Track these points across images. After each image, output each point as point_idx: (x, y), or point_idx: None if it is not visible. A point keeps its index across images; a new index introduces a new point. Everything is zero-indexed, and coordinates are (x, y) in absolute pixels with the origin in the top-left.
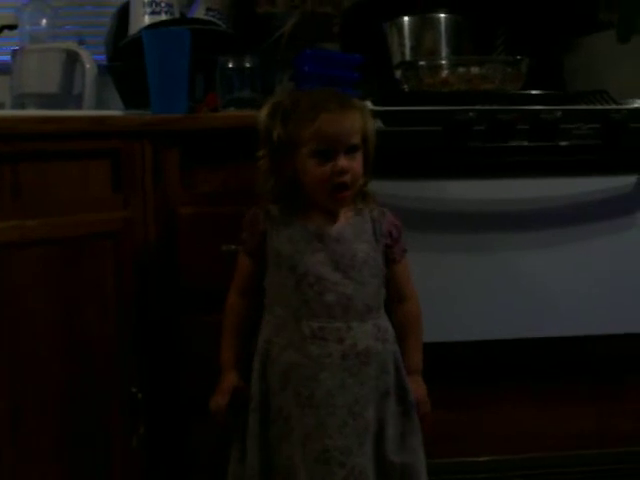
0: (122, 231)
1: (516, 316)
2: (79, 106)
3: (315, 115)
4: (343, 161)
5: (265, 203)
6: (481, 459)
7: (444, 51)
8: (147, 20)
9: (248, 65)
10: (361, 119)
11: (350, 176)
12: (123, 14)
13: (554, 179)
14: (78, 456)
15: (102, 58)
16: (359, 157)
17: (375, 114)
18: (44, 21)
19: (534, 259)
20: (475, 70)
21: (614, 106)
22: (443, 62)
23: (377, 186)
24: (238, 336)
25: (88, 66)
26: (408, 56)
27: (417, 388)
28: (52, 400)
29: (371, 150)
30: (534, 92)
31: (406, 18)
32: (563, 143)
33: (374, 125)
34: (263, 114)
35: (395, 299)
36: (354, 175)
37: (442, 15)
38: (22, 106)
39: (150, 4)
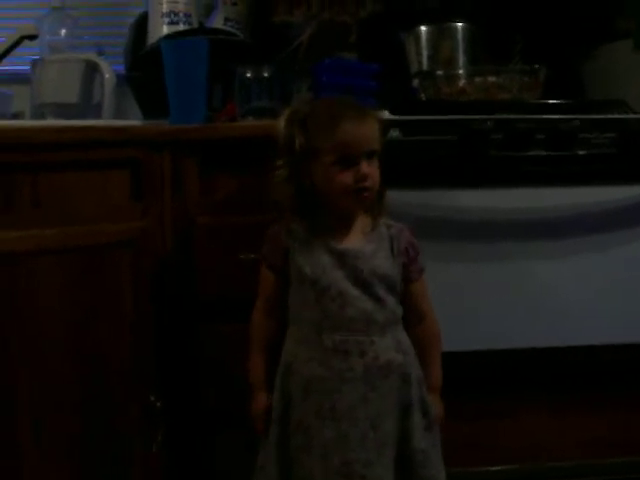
0: (140, 240)
1: (531, 325)
2: (98, 116)
3: (336, 124)
4: (365, 167)
5: (284, 214)
6: (495, 468)
7: (461, 60)
8: (165, 30)
9: (266, 74)
10: (377, 126)
11: (371, 181)
12: (142, 24)
13: (571, 188)
14: (97, 464)
15: (121, 68)
16: (376, 163)
17: (393, 123)
18: (64, 31)
19: (551, 268)
20: (492, 79)
21: (632, 115)
22: (460, 71)
23: (395, 195)
24: (264, 354)
25: (107, 76)
26: (425, 65)
27: (436, 406)
28: (70, 408)
29: (381, 159)
30: (551, 101)
31: (423, 27)
32: (581, 152)
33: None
34: (282, 123)
35: (413, 318)
36: (374, 179)
37: (459, 24)
38: (41, 116)
39: (168, 14)
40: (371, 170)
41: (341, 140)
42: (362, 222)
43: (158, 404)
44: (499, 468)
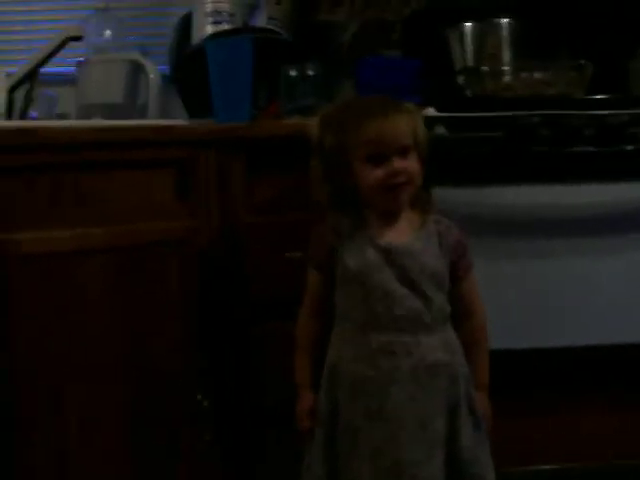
0: (186, 239)
1: (578, 323)
2: (143, 116)
3: (359, 122)
4: (397, 162)
5: (326, 213)
6: (546, 467)
7: (506, 56)
8: (209, 30)
9: (311, 73)
10: (409, 122)
11: (405, 176)
12: (186, 24)
13: (620, 184)
14: (145, 463)
15: (165, 68)
16: (413, 157)
17: (438, 120)
18: (108, 32)
19: (600, 265)
20: (538, 75)
21: None
22: (506, 67)
23: (440, 193)
24: (310, 354)
25: (152, 76)
26: (470, 62)
27: (482, 406)
28: (117, 407)
29: (422, 152)
30: (599, 96)
31: (468, 24)
32: (629, 147)
33: (424, 128)
34: (315, 126)
35: (462, 315)
36: (410, 174)
37: (503, 20)
38: (87, 116)
39: (212, 14)
40: (406, 165)
41: (368, 137)
42: (410, 218)
43: (205, 403)
44: (550, 467)
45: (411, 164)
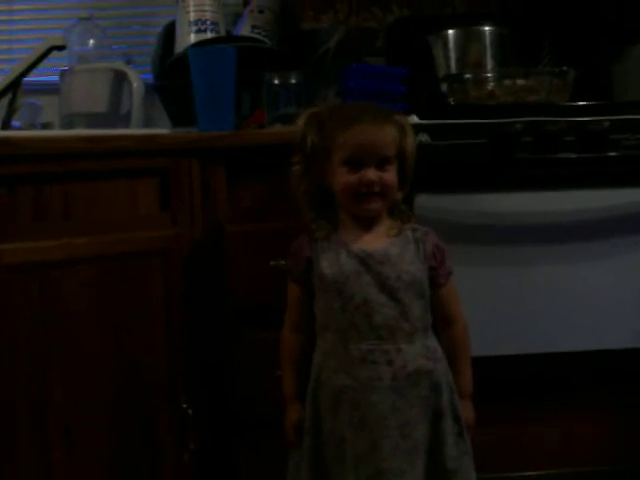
0: (170, 248)
1: (564, 329)
2: (127, 125)
3: (348, 125)
4: (371, 172)
5: (304, 213)
6: (528, 474)
7: (489, 63)
8: (193, 38)
9: (294, 81)
10: (396, 133)
11: (380, 187)
12: (169, 33)
13: (602, 191)
14: (129, 471)
15: (149, 77)
16: (392, 169)
17: (421, 128)
18: (92, 41)
19: (583, 271)
20: (521, 82)
21: None
22: (489, 75)
23: (424, 200)
24: (295, 368)
25: (135, 85)
26: (454, 69)
27: (466, 413)
28: (102, 414)
29: (409, 166)
30: (581, 103)
31: (451, 31)
32: (612, 154)
33: (414, 141)
34: (301, 121)
35: (442, 323)
36: (385, 187)
37: (487, 28)
38: (70, 125)
39: (196, 23)
40: (381, 177)
41: (350, 140)
42: (387, 226)
43: (190, 411)
44: (526, 474)
45: (388, 176)
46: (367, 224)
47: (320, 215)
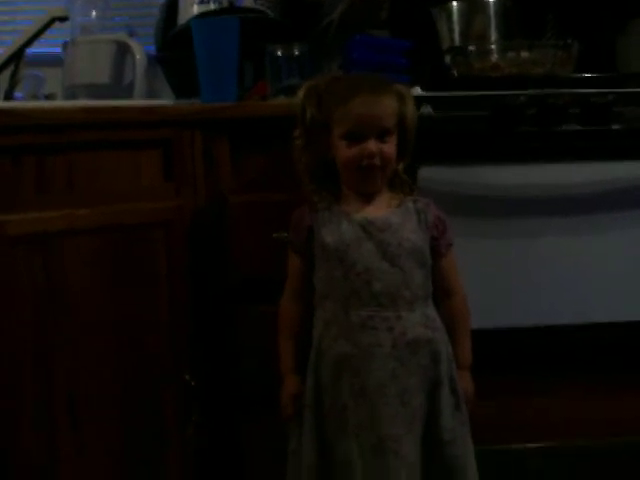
0: (173, 220)
1: (564, 302)
2: (130, 96)
3: (348, 97)
4: (372, 144)
5: (306, 185)
6: (525, 446)
7: (493, 36)
8: (196, 10)
9: (297, 53)
10: (395, 103)
11: (380, 159)
12: (172, 5)
13: (606, 163)
14: (132, 442)
15: (152, 49)
16: (391, 141)
17: (425, 99)
18: (94, 13)
19: (586, 244)
20: (525, 54)
21: None
22: (493, 47)
23: (427, 172)
24: (294, 339)
25: (138, 57)
26: (457, 41)
27: (465, 384)
28: (106, 387)
29: (409, 136)
30: (585, 75)
31: (455, 3)
32: (615, 127)
33: (414, 109)
34: (300, 95)
35: (441, 294)
36: (384, 159)
37: (491, 0)
38: (73, 97)
39: None
40: (381, 148)
41: (350, 112)
42: (388, 197)
43: (193, 383)
44: (529, 446)
45: (387, 148)
46: (368, 196)
47: (321, 188)
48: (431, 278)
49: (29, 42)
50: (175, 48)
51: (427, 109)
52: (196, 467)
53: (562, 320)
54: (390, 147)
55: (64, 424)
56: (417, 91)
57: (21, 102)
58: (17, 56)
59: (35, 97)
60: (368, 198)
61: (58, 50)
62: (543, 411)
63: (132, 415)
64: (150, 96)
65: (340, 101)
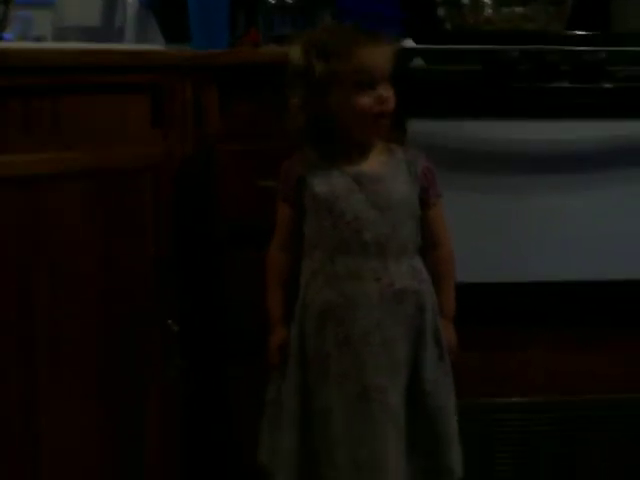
0: (161, 165)
1: (553, 258)
2: (121, 40)
3: (356, 48)
4: (384, 90)
5: (299, 143)
6: (507, 400)
7: None
8: None
9: (289, 1)
10: (392, 51)
11: (390, 104)
12: None
13: (597, 121)
14: (114, 387)
15: None
16: (391, 89)
17: (417, 52)
18: None
19: (575, 202)
20: (519, 10)
21: None
22: (487, 1)
23: (417, 125)
24: (282, 289)
25: (130, 0)
26: None
27: (448, 335)
28: (90, 330)
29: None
30: (578, 32)
31: None
32: (607, 85)
33: None
34: (297, 52)
35: (428, 245)
36: (392, 104)
37: None
38: (63, 39)
39: None
40: (390, 93)
41: (361, 63)
42: (379, 149)
43: (175, 328)
44: (511, 400)
45: (392, 94)
46: (361, 148)
47: (315, 144)
48: (420, 230)
49: None
50: None
51: (419, 61)
52: (182, 414)
53: (546, 276)
54: (393, 95)
55: (44, 365)
56: (410, 43)
57: (9, 42)
58: None
59: (24, 39)
60: (362, 150)
61: None
62: (525, 363)
63: (114, 359)
64: (141, 40)
65: (348, 52)
